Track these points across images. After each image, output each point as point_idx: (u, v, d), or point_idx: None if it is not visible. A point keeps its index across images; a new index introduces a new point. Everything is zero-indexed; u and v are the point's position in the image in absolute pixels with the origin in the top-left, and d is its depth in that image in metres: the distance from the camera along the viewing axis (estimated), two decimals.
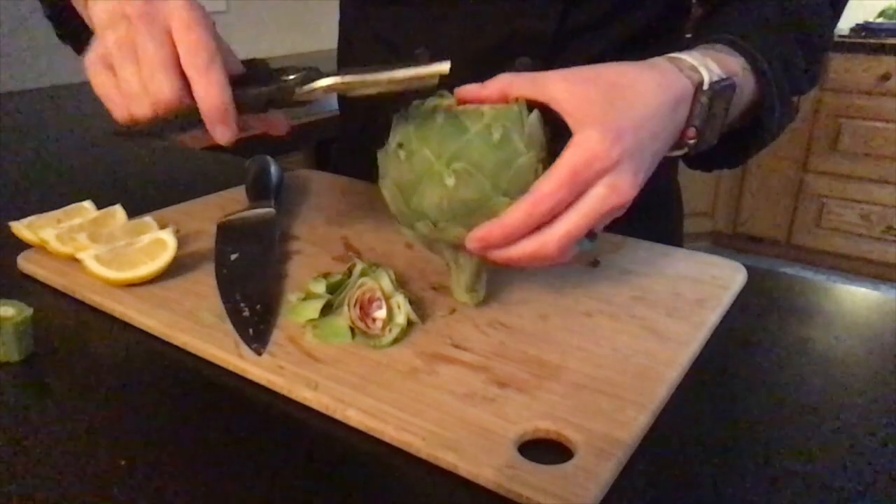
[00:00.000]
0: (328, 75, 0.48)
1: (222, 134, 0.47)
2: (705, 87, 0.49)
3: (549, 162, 0.45)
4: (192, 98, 0.46)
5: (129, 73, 0.46)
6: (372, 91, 0.47)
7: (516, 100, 0.47)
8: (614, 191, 0.44)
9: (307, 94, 0.48)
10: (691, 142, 0.51)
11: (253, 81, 0.49)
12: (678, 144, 0.51)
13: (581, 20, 0.67)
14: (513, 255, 0.45)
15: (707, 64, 0.50)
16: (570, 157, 0.43)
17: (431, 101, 0.49)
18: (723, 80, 0.50)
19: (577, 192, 0.44)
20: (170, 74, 0.46)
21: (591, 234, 0.46)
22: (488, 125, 0.44)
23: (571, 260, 0.47)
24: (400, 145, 0.46)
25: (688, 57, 0.50)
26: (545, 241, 0.44)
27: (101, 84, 0.48)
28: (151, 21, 0.46)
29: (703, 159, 0.59)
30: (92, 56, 0.48)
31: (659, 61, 0.50)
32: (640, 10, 0.69)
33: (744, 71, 0.54)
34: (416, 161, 0.45)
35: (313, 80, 0.48)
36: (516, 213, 0.44)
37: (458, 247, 0.48)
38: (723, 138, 0.54)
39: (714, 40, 0.56)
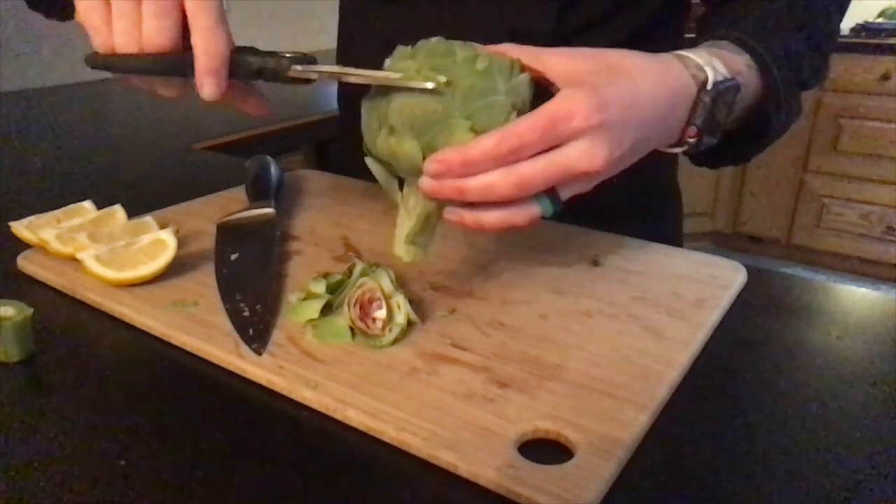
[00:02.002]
0: (325, 64, 0.49)
1: (210, 88, 0.48)
2: (709, 86, 0.49)
3: None
4: (183, 49, 0.48)
5: (127, 8, 0.47)
6: (362, 81, 0.48)
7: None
8: (586, 155, 0.43)
9: (303, 73, 0.49)
10: (692, 140, 0.51)
11: (247, 52, 0.50)
12: (679, 142, 0.51)
13: (579, 19, 0.67)
14: (467, 186, 0.44)
15: (713, 63, 0.50)
16: (551, 106, 0.43)
17: None
18: (727, 80, 0.50)
19: (548, 143, 0.43)
20: (171, 21, 0.47)
21: (555, 198, 0.46)
22: (476, 56, 0.45)
23: (531, 224, 0.46)
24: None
25: (695, 56, 0.50)
26: (501, 176, 0.43)
27: (90, 10, 0.49)
28: None
29: (708, 156, 0.59)
30: None
31: (666, 56, 0.50)
32: (639, 9, 0.69)
33: (749, 69, 0.54)
34: (400, 71, 0.46)
35: (309, 62, 0.49)
36: (481, 144, 0.43)
37: (411, 185, 0.48)
38: (729, 135, 0.54)
39: (719, 37, 0.55)
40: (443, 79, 0.44)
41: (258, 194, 0.67)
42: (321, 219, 0.67)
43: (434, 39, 0.47)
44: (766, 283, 0.57)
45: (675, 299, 0.52)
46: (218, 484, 0.36)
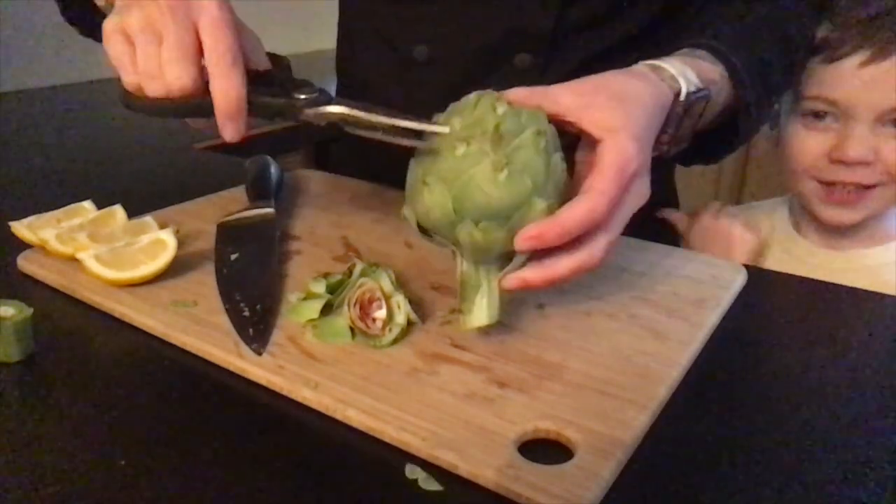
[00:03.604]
0: (338, 104, 0.49)
1: (231, 131, 0.49)
2: (682, 97, 0.51)
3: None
4: (207, 91, 0.48)
5: (149, 53, 0.48)
6: (371, 133, 0.48)
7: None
8: (640, 196, 0.46)
9: (314, 117, 0.49)
10: (665, 147, 0.53)
11: (269, 85, 0.50)
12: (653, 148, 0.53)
13: (579, 18, 0.67)
14: (561, 266, 0.44)
15: (686, 74, 0.51)
16: (613, 159, 0.44)
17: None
18: (699, 90, 0.52)
19: (625, 192, 0.44)
20: (189, 64, 0.47)
21: None
22: (536, 133, 0.44)
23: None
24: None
25: (669, 67, 0.51)
26: (595, 249, 0.44)
27: (118, 54, 0.49)
28: (181, 10, 0.47)
29: (681, 155, 0.60)
30: (111, 25, 0.49)
31: (644, 71, 0.51)
32: (639, 9, 0.69)
33: (722, 78, 0.56)
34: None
35: (323, 103, 0.49)
36: (575, 211, 0.43)
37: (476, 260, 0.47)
38: (701, 136, 0.55)
39: (696, 45, 0.57)
40: (447, 129, 0.45)
41: (258, 194, 0.67)
42: (321, 219, 0.67)
43: (473, 99, 0.47)
44: (766, 283, 0.57)
45: (675, 299, 0.52)
46: (218, 484, 0.36)
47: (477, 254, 0.46)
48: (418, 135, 0.47)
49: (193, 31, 0.47)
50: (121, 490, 0.35)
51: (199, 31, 0.48)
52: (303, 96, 0.49)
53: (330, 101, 0.49)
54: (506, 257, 0.46)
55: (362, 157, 0.84)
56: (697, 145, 0.57)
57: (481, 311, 0.45)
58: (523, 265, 0.45)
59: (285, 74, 0.52)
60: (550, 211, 0.44)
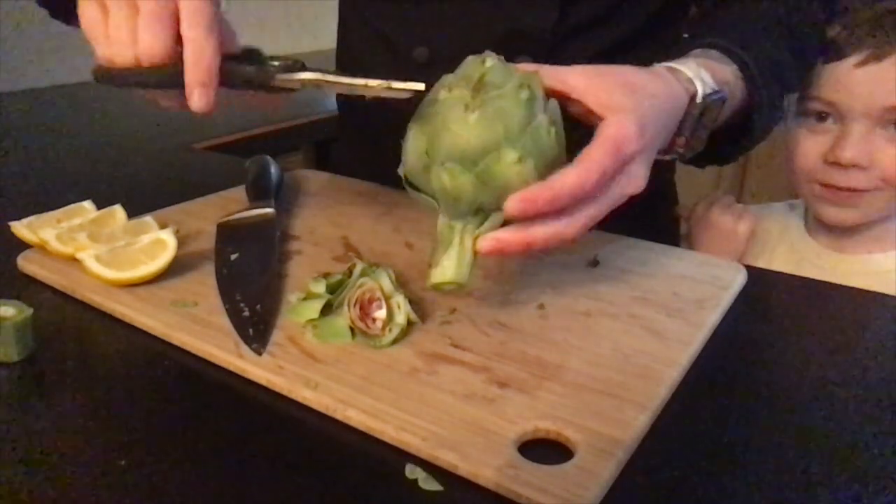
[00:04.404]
0: (311, 70, 0.49)
1: (199, 98, 0.48)
2: (698, 100, 0.51)
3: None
4: (178, 60, 0.47)
5: (122, 19, 0.47)
6: (346, 91, 0.48)
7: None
8: (631, 181, 0.45)
9: (285, 82, 0.49)
10: (681, 150, 0.53)
11: (241, 62, 0.50)
12: (667, 151, 0.53)
13: (580, 18, 0.67)
14: (539, 231, 0.44)
15: (702, 76, 0.51)
16: (611, 133, 0.44)
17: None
18: (715, 92, 0.52)
19: (618, 169, 0.44)
20: (164, 30, 0.47)
21: None
22: (519, 85, 0.45)
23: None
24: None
25: (685, 69, 0.51)
26: (576, 220, 0.44)
27: (90, 21, 0.49)
28: None
29: (694, 156, 0.60)
30: None
31: (661, 70, 0.51)
32: (639, 8, 0.69)
33: (735, 78, 0.56)
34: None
35: (296, 70, 0.49)
36: (566, 178, 0.43)
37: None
38: (713, 137, 0.56)
39: (709, 45, 0.57)
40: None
41: (258, 194, 0.67)
42: (321, 219, 0.67)
43: (471, 60, 0.47)
44: (766, 283, 0.57)
45: (675, 299, 0.52)
46: (218, 484, 0.36)
47: (448, 201, 0.46)
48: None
49: (172, 1, 0.47)
50: (121, 490, 0.35)
51: (178, 2, 0.47)
52: (276, 63, 0.49)
53: (303, 68, 0.49)
54: (481, 215, 0.46)
55: (362, 157, 0.84)
56: (710, 146, 0.57)
57: (448, 269, 0.46)
58: (500, 227, 0.45)
59: (258, 55, 0.51)
60: (524, 166, 0.43)
